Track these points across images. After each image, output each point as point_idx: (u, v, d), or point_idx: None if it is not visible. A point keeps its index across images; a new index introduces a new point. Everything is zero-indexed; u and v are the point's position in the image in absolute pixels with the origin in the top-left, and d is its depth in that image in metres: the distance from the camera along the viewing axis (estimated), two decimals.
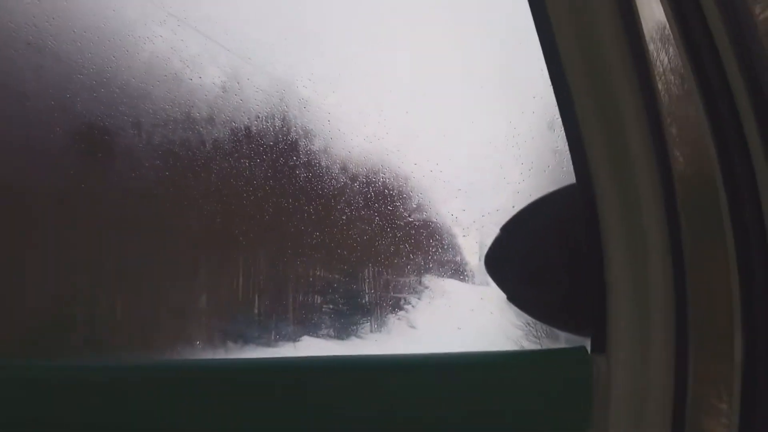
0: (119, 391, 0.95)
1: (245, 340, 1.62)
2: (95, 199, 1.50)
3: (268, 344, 1.62)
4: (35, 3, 1.42)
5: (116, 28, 1.47)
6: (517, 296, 1.16)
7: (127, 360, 1.22)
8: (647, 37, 1.04)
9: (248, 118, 1.49)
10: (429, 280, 1.55)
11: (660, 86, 1.10)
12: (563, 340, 1.17)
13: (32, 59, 1.46)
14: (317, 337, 1.63)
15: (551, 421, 1.04)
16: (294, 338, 1.59)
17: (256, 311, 1.65)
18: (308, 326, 1.60)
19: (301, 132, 1.48)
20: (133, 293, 1.62)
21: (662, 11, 1.01)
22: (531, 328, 1.66)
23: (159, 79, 1.49)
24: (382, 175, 1.44)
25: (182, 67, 1.47)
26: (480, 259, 1.57)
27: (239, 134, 1.49)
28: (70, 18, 1.44)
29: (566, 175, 1.10)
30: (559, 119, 1.10)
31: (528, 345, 1.64)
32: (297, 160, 1.48)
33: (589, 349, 1.07)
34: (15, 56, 1.45)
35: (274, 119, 1.45)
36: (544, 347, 1.30)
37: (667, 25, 1.06)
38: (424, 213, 1.51)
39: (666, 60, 1.10)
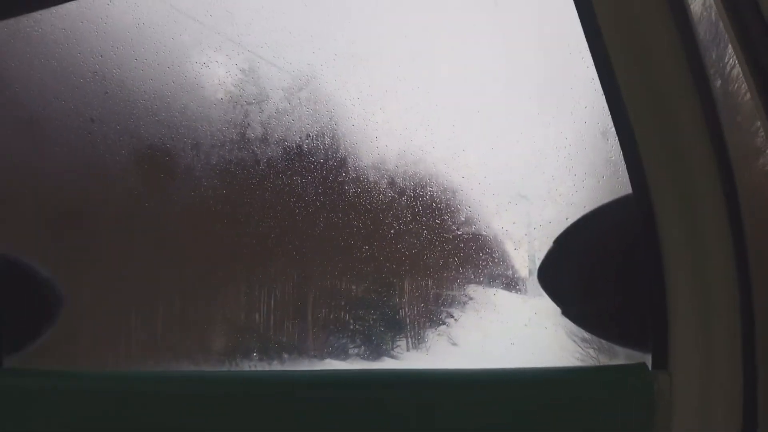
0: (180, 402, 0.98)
1: (299, 352, 1.65)
2: (157, 216, 1.59)
3: (320, 357, 1.64)
4: (101, 35, 1.52)
5: (175, 54, 1.55)
6: (571, 310, 1.14)
7: (136, 370, 1.25)
8: (702, 39, 1.01)
9: (300, 137, 1.53)
10: (479, 293, 1.53)
11: (718, 89, 1.06)
12: (622, 356, 1.13)
13: (99, 87, 1.56)
14: (368, 351, 1.63)
15: None
16: (343, 352, 1.61)
17: (309, 324, 1.68)
18: (359, 339, 1.62)
19: (350, 149, 1.52)
20: (191, 306, 1.68)
21: (716, 11, 0.97)
22: (587, 345, 1.61)
23: (215, 102, 1.56)
24: (429, 188, 1.45)
25: (236, 90, 1.54)
26: (531, 273, 1.54)
27: (291, 152, 1.54)
28: (133, 46, 1.53)
29: (621, 186, 1.07)
30: (613, 128, 1.07)
31: (584, 362, 1.59)
32: (346, 176, 1.50)
33: (650, 365, 1.04)
34: (83, 84, 1.55)
35: (324, 137, 1.49)
36: (603, 364, 1.26)
37: (721, 25, 1.02)
38: (473, 226, 1.50)
39: (723, 63, 1.06)
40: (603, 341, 1.21)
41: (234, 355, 1.68)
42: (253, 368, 1.64)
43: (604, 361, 1.35)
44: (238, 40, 1.54)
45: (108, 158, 1.58)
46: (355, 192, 1.47)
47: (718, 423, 0.96)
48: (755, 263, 0.94)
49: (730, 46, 1.03)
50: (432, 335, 1.67)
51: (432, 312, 1.60)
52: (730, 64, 1.04)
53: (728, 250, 0.95)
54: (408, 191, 1.46)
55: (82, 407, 0.98)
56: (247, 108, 1.56)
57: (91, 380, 1.02)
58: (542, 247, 1.12)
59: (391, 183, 1.47)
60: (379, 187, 1.47)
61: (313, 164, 1.50)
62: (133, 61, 1.52)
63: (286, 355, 1.64)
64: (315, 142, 1.50)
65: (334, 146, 1.49)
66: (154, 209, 1.61)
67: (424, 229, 1.44)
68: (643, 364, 1.03)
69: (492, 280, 1.54)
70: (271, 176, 1.53)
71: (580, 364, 1.48)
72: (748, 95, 1.06)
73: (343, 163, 1.49)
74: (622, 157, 1.08)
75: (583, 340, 1.61)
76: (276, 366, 1.62)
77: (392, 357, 1.66)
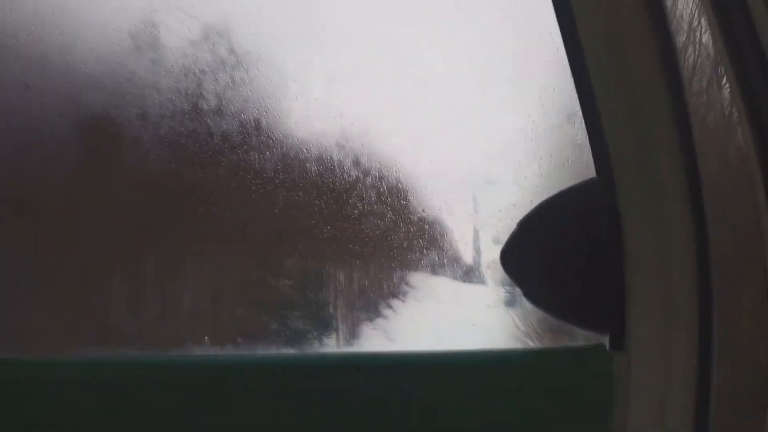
0: (126, 388, 0.93)
1: (250, 338, 1.59)
2: (101, 192, 1.47)
3: (276, 344, 1.59)
4: None
5: (121, 15, 1.43)
6: (532, 293, 1.15)
7: (134, 356, 1.20)
8: (674, 24, 1.00)
9: (257, 110, 1.46)
10: (439, 277, 1.52)
11: (686, 75, 1.07)
12: (581, 338, 1.14)
13: (35, 50, 1.42)
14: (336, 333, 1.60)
15: (570, 421, 1.02)
16: (320, 335, 1.57)
17: (262, 310, 1.63)
18: (318, 324, 1.58)
19: (311, 125, 1.46)
20: (137, 290, 1.59)
21: None
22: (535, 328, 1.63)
23: (165, 69, 1.45)
24: (395, 171, 1.42)
25: (189, 57, 1.44)
26: (495, 257, 1.54)
27: (248, 127, 1.46)
28: (75, 6, 1.40)
29: (587, 170, 1.07)
30: (580, 112, 1.07)
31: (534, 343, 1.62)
32: (309, 154, 1.45)
33: (608, 346, 1.05)
34: (16, 46, 1.41)
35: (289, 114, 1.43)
36: (561, 345, 1.28)
37: (696, 11, 1.02)
38: (438, 210, 1.48)
39: (694, 48, 1.06)
40: (562, 323, 1.22)
41: (182, 341, 1.61)
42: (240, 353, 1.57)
43: (563, 342, 1.37)
44: (191, 10, 1.44)
45: (45, 128, 1.45)
46: (318, 170, 1.42)
47: (673, 401, 0.98)
48: (714, 248, 0.96)
49: (703, 32, 1.03)
50: (393, 317, 1.64)
51: (391, 293, 1.57)
52: (703, 48, 1.04)
53: (689, 236, 0.97)
54: (373, 172, 1.42)
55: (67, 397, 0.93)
56: (201, 77, 1.47)
57: (73, 368, 0.97)
58: (506, 230, 1.11)
59: (356, 163, 1.42)
60: (344, 167, 1.42)
61: (272, 140, 1.43)
62: (75, 22, 1.39)
63: (240, 340, 1.58)
64: (274, 116, 1.42)
65: (296, 124, 1.43)
66: (98, 184, 1.50)
67: (388, 210, 1.41)
68: (602, 345, 1.05)
69: (454, 263, 1.53)
70: (226, 151, 1.45)
71: (540, 346, 1.50)
72: (714, 84, 1.07)
73: (304, 140, 1.43)
74: (587, 141, 1.08)
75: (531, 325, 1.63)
76: (230, 351, 1.56)
77: (355, 339, 1.62)
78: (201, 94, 1.43)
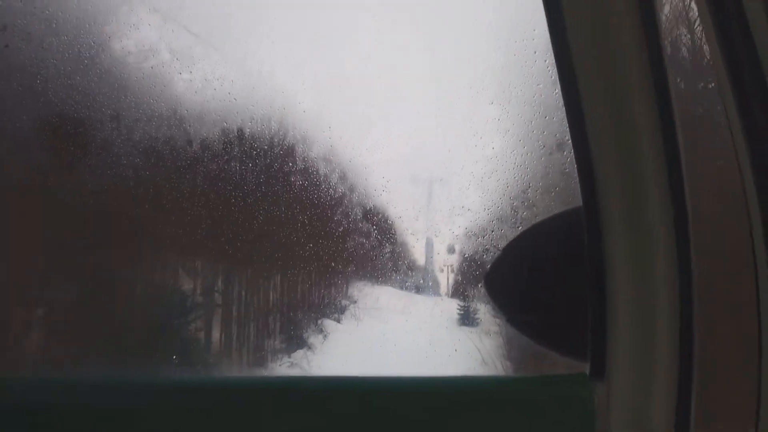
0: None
1: (224, 357, 1.52)
2: (66, 197, 1.35)
3: (254, 364, 1.52)
4: None
5: (98, 9, 1.33)
6: (515, 318, 1.14)
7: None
8: (667, 59, 1.02)
9: (241, 119, 1.38)
10: (424, 298, 1.50)
11: (676, 108, 1.09)
12: (562, 366, 1.15)
13: None
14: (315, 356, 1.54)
15: None
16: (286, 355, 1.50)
17: (236, 328, 1.55)
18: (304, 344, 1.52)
19: (298, 137, 1.40)
20: (100, 303, 1.48)
21: (683, 31, 0.98)
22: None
23: (142, 70, 1.36)
24: (383, 191, 1.38)
25: (169, 57, 1.35)
26: (479, 281, 1.54)
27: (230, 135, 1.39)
28: None
29: (574, 198, 1.07)
30: (569, 140, 1.07)
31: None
32: (293, 165, 1.39)
33: (588, 374, 1.05)
34: None
35: (270, 122, 1.36)
36: (542, 373, 1.27)
37: (685, 49, 1.04)
38: (426, 230, 1.46)
39: (684, 83, 1.08)
40: (543, 349, 1.22)
41: (156, 357, 1.51)
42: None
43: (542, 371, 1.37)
44: (173, 14, 1.35)
45: (6, 124, 1.32)
46: (302, 185, 1.36)
47: (653, 430, 0.99)
48: (698, 279, 0.98)
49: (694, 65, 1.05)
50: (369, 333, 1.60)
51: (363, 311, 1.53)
52: (691, 83, 1.06)
53: (670, 264, 0.98)
54: (359, 189, 1.38)
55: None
56: (180, 80, 1.38)
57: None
58: (488, 255, 1.10)
59: (342, 178, 1.38)
60: (329, 183, 1.37)
61: (257, 150, 1.36)
62: (44, 12, 1.28)
63: (209, 359, 1.50)
64: (260, 126, 1.35)
65: (281, 132, 1.36)
66: (63, 189, 1.38)
67: (374, 230, 1.37)
68: (583, 374, 1.04)
69: (440, 285, 1.51)
70: (205, 160, 1.37)
71: (522, 374, 1.50)
72: (708, 114, 1.09)
73: (290, 151, 1.37)
74: (575, 169, 1.08)
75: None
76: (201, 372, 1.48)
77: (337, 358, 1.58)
78: (181, 98, 1.34)
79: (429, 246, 1.56)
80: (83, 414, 0.91)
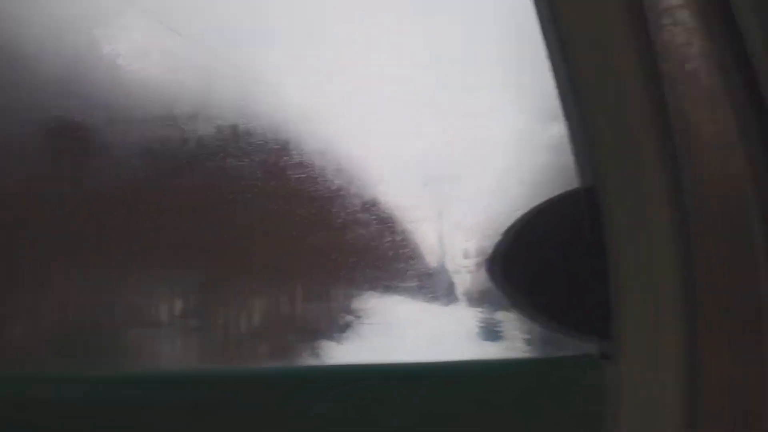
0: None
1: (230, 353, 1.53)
2: (66, 202, 1.38)
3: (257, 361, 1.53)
4: None
5: (91, 13, 1.35)
6: (519, 302, 1.14)
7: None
8: (660, 25, 1.01)
9: (235, 116, 1.40)
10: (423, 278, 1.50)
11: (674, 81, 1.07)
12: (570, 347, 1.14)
13: None
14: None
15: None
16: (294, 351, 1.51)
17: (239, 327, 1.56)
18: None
19: (294, 135, 1.42)
20: (102, 306, 1.50)
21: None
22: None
23: (137, 71, 1.38)
24: (382, 184, 1.39)
25: (163, 58, 1.37)
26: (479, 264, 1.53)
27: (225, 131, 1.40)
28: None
29: (574, 177, 1.07)
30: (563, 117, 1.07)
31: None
32: (289, 160, 1.41)
33: (597, 356, 1.05)
34: None
35: (270, 122, 1.38)
36: (549, 355, 1.27)
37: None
38: (424, 216, 1.46)
39: (682, 51, 1.07)
40: (551, 333, 1.22)
41: (151, 355, 1.53)
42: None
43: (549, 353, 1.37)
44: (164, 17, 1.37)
45: (4, 133, 1.34)
46: (299, 177, 1.37)
47: (664, 411, 0.99)
48: (701, 255, 0.97)
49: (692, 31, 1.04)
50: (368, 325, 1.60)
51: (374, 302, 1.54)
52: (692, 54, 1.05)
53: (674, 242, 0.98)
54: (355, 181, 1.39)
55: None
56: (174, 80, 1.40)
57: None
58: (491, 238, 1.10)
59: (339, 171, 1.39)
60: (326, 175, 1.38)
61: (251, 146, 1.38)
62: (40, 17, 1.30)
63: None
64: (251, 122, 1.37)
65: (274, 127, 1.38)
66: (63, 194, 1.41)
67: (374, 220, 1.38)
68: (591, 355, 1.04)
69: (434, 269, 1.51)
70: (202, 157, 1.39)
71: (527, 356, 1.49)
72: (708, 85, 1.08)
73: (286, 146, 1.38)
74: (573, 147, 1.08)
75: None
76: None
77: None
78: (176, 97, 1.35)
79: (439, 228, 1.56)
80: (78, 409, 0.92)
